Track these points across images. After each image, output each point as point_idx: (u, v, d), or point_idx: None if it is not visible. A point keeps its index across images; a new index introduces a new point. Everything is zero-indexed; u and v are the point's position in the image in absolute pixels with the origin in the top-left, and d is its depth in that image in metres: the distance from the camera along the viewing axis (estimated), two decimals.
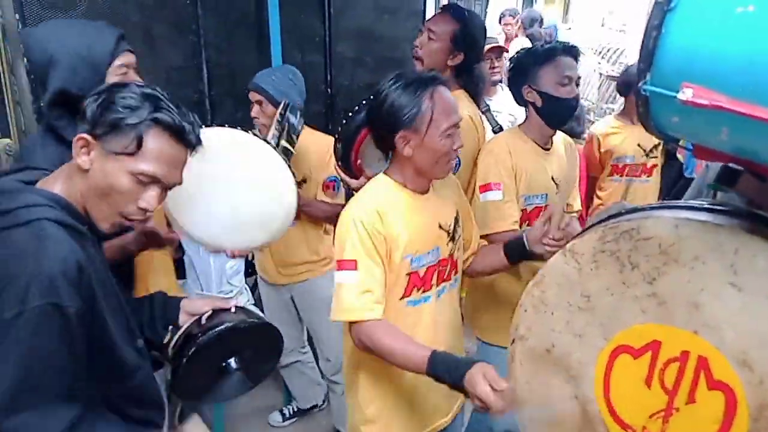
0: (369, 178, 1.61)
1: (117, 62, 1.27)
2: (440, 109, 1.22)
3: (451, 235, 1.36)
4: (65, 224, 0.91)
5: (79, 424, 0.91)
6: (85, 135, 0.92)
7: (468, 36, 1.74)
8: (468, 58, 1.76)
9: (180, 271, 1.74)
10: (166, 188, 0.99)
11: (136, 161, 0.93)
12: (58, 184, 0.97)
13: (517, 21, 4.60)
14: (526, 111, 1.70)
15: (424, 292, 1.32)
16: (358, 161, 1.63)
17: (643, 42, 0.76)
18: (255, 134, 1.46)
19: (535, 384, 1.04)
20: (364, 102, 1.58)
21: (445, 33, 1.75)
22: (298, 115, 1.78)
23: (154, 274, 1.61)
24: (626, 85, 2.61)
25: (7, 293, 0.85)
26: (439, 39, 1.76)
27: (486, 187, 1.61)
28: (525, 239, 1.36)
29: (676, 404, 0.89)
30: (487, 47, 2.43)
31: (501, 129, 2.61)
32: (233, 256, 1.55)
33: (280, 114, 1.72)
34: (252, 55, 2.51)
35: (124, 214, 0.97)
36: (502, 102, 2.74)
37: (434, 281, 1.34)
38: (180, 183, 1.00)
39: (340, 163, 1.67)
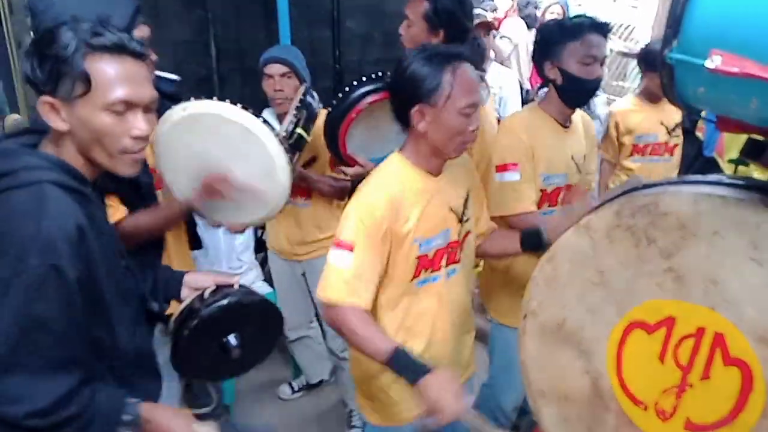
0: (363, 165, 1.62)
1: (133, 34, 1.25)
2: (460, 85, 1.19)
3: (460, 217, 1.35)
4: (67, 186, 0.89)
5: (77, 392, 0.88)
6: (44, 98, 0.88)
7: (441, 12, 1.65)
8: (450, 34, 1.69)
9: (196, 241, 1.73)
10: (147, 109, 0.93)
11: (98, 96, 0.87)
12: (50, 150, 0.94)
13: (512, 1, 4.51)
14: (548, 86, 1.65)
15: (433, 272, 1.32)
16: (347, 151, 1.62)
17: (670, 7, 0.72)
18: (247, 109, 1.42)
19: (545, 359, 1.03)
20: (340, 95, 1.57)
21: (417, 15, 1.69)
22: (316, 98, 1.76)
23: (173, 243, 1.63)
24: (647, 61, 2.50)
25: (6, 254, 0.83)
26: (415, 22, 1.70)
27: (503, 168, 1.57)
28: (544, 231, 1.34)
29: (690, 380, 0.88)
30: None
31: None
32: (234, 231, 1.54)
33: (300, 99, 1.69)
34: (260, 30, 2.47)
35: (126, 151, 0.92)
36: (491, 78, 2.68)
37: (443, 263, 1.33)
38: (154, 97, 0.94)
39: (332, 155, 1.67)
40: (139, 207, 1.39)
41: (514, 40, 3.98)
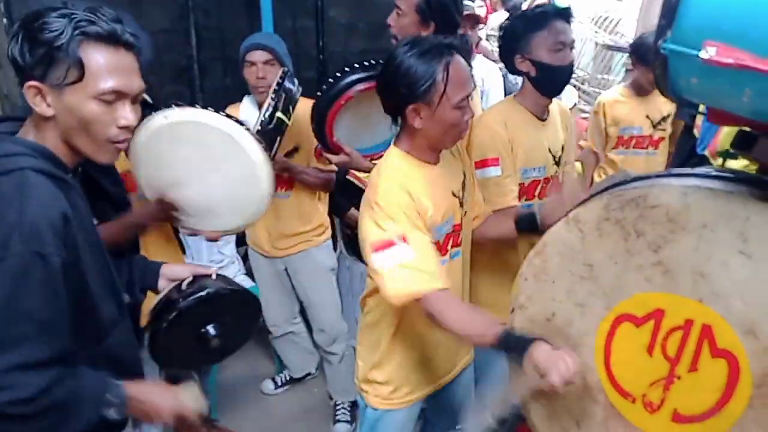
0: (348, 154, 1.59)
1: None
2: (454, 80, 1.16)
3: (461, 200, 1.36)
4: (48, 173, 0.88)
5: (61, 379, 0.88)
6: (32, 83, 0.86)
7: (433, 4, 1.64)
8: (440, 27, 1.68)
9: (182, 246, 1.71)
10: (135, 99, 0.94)
11: (90, 84, 0.87)
12: (31, 136, 0.92)
13: None
14: (522, 81, 1.64)
15: (441, 257, 1.31)
16: (334, 138, 1.59)
17: None
18: (228, 116, 1.39)
19: None
20: (331, 80, 1.53)
21: (410, 6, 1.66)
22: (296, 83, 1.71)
23: (155, 244, 1.58)
24: (639, 53, 2.47)
25: None
26: (406, 13, 1.67)
27: (483, 163, 1.55)
28: (537, 213, 1.34)
29: (677, 372, 0.88)
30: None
31: None
32: (209, 239, 1.50)
33: (278, 83, 1.66)
34: (242, 19, 2.41)
35: (111, 140, 0.92)
36: (476, 72, 2.67)
37: (449, 247, 1.34)
38: (142, 88, 0.94)
39: (318, 142, 1.63)
40: (111, 218, 1.35)
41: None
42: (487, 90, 2.69)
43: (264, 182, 1.43)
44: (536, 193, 1.64)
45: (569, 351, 0.95)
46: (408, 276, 1.13)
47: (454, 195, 1.32)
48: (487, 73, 2.69)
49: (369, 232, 1.18)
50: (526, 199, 1.64)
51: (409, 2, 1.65)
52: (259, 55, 1.91)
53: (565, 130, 1.71)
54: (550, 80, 1.55)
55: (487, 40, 3.97)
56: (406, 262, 1.13)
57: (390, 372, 1.37)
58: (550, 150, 1.64)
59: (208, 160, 1.38)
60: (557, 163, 1.67)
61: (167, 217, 1.47)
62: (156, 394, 1.00)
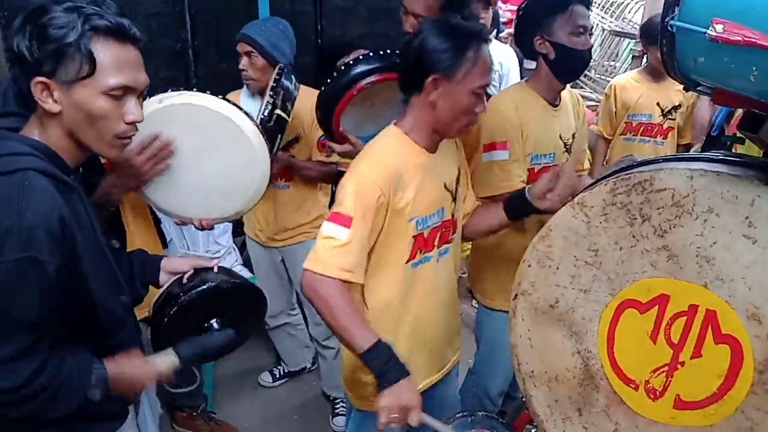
0: (353, 143, 1.55)
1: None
2: (480, 65, 1.17)
3: (453, 195, 1.33)
4: (51, 175, 0.87)
5: (44, 367, 0.89)
6: (40, 78, 0.86)
7: None
8: (461, 15, 1.64)
9: (162, 240, 1.66)
10: (140, 95, 0.94)
11: (99, 79, 0.87)
12: (35, 134, 0.92)
13: None
14: (537, 63, 1.61)
15: (426, 252, 1.29)
16: (341, 128, 1.55)
17: None
18: (228, 101, 1.35)
19: (536, 340, 1.02)
20: (342, 67, 1.48)
21: (428, 7, 1.62)
22: (293, 80, 1.68)
23: (139, 236, 1.55)
24: (648, 34, 2.43)
25: None
26: (427, 14, 1.63)
27: (491, 146, 1.53)
28: (527, 193, 1.31)
29: (681, 358, 0.88)
30: None
31: None
32: (201, 228, 1.45)
33: (275, 80, 1.62)
34: (237, 2, 2.36)
35: (119, 135, 0.92)
36: (494, 56, 2.62)
37: (437, 242, 1.31)
38: (148, 83, 0.95)
39: (322, 130, 1.58)
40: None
41: None
42: (506, 73, 2.65)
43: (261, 165, 1.40)
44: None
45: (416, 406, 1.07)
46: (327, 252, 1.15)
47: (446, 188, 1.30)
48: (503, 57, 2.65)
49: (337, 197, 1.19)
50: None
51: (427, 4, 1.59)
52: (240, 47, 1.87)
53: (577, 118, 1.69)
54: (569, 64, 1.54)
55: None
56: (338, 239, 1.14)
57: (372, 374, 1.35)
58: (561, 137, 1.63)
59: (203, 144, 1.34)
60: (568, 151, 1.65)
61: (134, 182, 1.32)
62: (134, 367, 1.02)
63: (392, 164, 1.19)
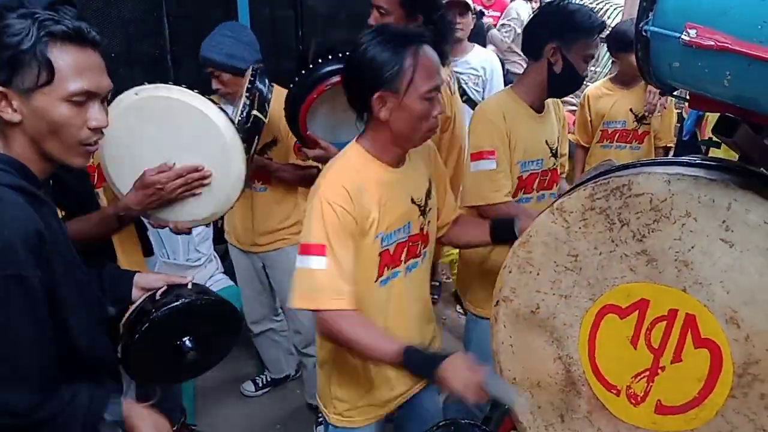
0: (324, 148, 1.54)
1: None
2: (422, 69, 1.12)
3: (422, 209, 1.29)
4: (22, 190, 0.85)
5: (50, 397, 0.87)
6: None
7: None
8: (427, 18, 1.61)
9: (147, 247, 1.62)
10: (103, 99, 0.92)
11: (59, 86, 0.85)
12: None
13: None
14: (527, 67, 1.59)
15: (393, 268, 1.26)
16: (308, 132, 1.54)
17: None
18: (205, 96, 1.33)
19: (517, 346, 1.01)
20: (303, 71, 1.47)
21: (392, 3, 1.61)
22: (267, 83, 1.66)
23: (122, 250, 1.51)
24: (617, 41, 2.44)
25: None
26: (390, 12, 1.62)
27: (479, 156, 1.52)
28: (516, 226, 1.28)
29: (661, 363, 0.87)
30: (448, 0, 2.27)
31: (464, 93, 2.50)
32: (176, 231, 1.42)
33: (250, 81, 1.60)
34: (217, 8, 2.34)
35: (83, 142, 0.90)
36: (473, 61, 2.62)
37: (403, 257, 1.27)
38: (111, 87, 0.92)
39: (292, 133, 1.57)
40: (75, 215, 1.29)
41: (517, 27, 3.69)
42: (489, 78, 2.66)
43: (237, 164, 1.36)
44: (534, 186, 1.63)
45: (478, 368, 1.00)
46: (313, 286, 1.12)
47: (413, 202, 1.26)
48: (487, 62, 2.66)
49: (303, 226, 1.17)
50: (524, 193, 1.62)
51: (391, 0, 1.60)
52: (205, 68, 1.86)
53: (558, 122, 1.71)
54: (567, 83, 1.57)
55: (502, 27, 3.86)
56: (317, 271, 1.12)
57: (346, 390, 1.31)
58: (547, 142, 1.63)
59: (177, 141, 1.31)
60: (554, 155, 1.66)
61: (157, 204, 1.33)
62: (146, 421, 0.97)
63: (353, 183, 1.15)
